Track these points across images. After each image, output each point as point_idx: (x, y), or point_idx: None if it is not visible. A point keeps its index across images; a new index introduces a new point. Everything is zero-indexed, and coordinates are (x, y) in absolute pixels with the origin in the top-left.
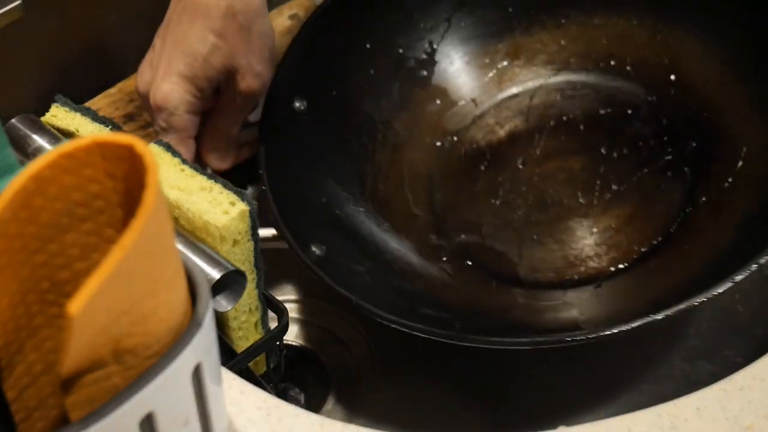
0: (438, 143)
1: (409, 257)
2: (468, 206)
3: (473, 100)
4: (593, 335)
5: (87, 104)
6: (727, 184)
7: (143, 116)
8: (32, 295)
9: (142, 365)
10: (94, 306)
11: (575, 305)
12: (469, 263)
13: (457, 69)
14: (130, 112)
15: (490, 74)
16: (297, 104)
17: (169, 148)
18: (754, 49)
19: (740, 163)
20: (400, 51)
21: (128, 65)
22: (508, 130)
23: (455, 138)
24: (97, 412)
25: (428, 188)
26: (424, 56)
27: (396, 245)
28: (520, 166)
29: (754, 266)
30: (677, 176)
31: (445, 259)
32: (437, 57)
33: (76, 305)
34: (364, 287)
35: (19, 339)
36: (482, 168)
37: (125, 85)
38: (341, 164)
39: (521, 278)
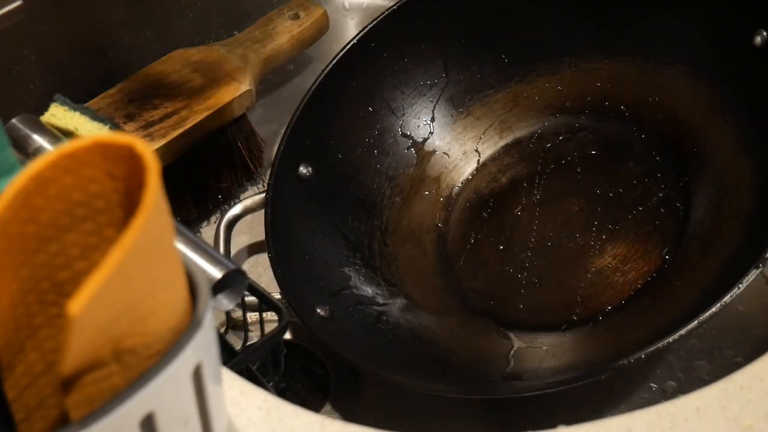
0: (444, 195)
1: (416, 309)
2: (472, 255)
3: (476, 151)
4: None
5: (87, 104)
6: (716, 218)
7: (143, 116)
8: (32, 295)
9: (142, 365)
10: (94, 306)
11: (571, 347)
12: (474, 311)
13: (458, 122)
14: (130, 112)
15: (491, 124)
16: (303, 170)
17: None
18: (739, 86)
19: (727, 197)
20: (402, 110)
21: (128, 65)
22: (509, 176)
23: (460, 188)
24: (98, 412)
25: (435, 240)
26: (426, 113)
27: (402, 299)
28: (521, 212)
29: (726, 300)
30: (671, 212)
31: (451, 308)
32: (438, 112)
33: (76, 305)
34: (371, 344)
35: (20, 339)
36: (485, 216)
37: (125, 85)
38: (348, 224)
39: (522, 322)
